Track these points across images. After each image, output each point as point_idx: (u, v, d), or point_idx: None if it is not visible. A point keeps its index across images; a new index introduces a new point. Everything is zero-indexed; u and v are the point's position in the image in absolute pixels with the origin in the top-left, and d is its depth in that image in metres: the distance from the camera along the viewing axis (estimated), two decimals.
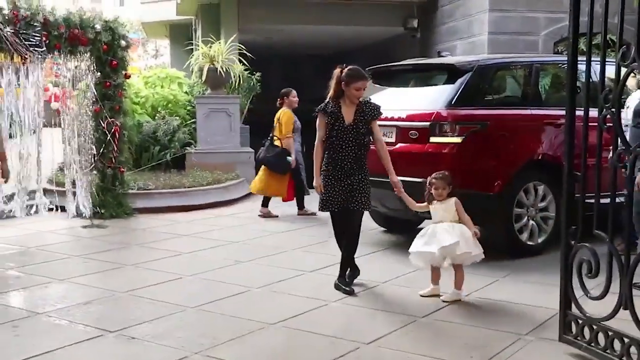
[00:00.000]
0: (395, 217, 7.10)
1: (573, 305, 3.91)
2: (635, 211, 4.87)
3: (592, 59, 3.89)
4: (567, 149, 3.95)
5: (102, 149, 8.52)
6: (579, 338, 3.85)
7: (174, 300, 4.99)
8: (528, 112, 6.59)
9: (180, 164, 11.53)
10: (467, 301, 5.01)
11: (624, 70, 3.55)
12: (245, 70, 12.49)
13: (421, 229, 5.21)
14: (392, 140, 6.56)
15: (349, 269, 5.32)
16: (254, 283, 5.46)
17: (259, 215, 8.89)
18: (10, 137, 8.07)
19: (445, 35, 13.47)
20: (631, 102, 6.00)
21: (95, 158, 8.52)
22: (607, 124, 3.68)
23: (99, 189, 8.60)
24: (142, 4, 19.56)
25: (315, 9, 14.02)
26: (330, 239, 5.88)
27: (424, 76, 7.33)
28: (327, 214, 5.43)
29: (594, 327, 3.74)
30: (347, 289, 5.16)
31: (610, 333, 3.63)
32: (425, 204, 5.16)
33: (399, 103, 6.81)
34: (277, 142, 8.82)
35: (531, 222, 6.46)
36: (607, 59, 3.72)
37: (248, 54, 12.22)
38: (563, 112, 4.01)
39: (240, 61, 12.28)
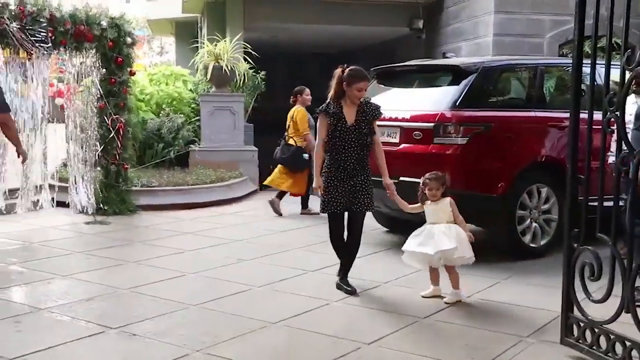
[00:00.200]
0: (397, 217, 7.10)
1: (575, 308, 3.90)
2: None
3: (597, 62, 3.89)
4: (571, 152, 3.95)
5: (106, 146, 8.54)
6: (580, 341, 3.85)
7: (176, 297, 5.00)
8: (532, 114, 6.58)
9: (184, 161, 11.54)
10: (468, 302, 5.01)
11: (628, 74, 3.55)
12: (250, 68, 12.50)
13: None
14: (396, 140, 6.57)
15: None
16: (256, 282, 5.47)
17: (301, 214, 8.95)
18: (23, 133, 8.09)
19: (451, 36, 13.46)
20: (627, 106, 5.99)
21: (99, 154, 8.53)
22: (611, 128, 3.68)
23: (103, 185, 8.62)
24: (148, 1, 19.58)
25: (320, 7, 14.02)
26: None
27: (428, 77, 7.33)
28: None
29: (596, 330, 3.74)
30: (349, 288, 5.16)
31: (612, 336, 3.63)
32: (419, 204, 5.16)
33: (403, 104, 6.81)
34: (291, 141, 8.82)
35: (534, 224, 6.46)
36: (612, 62, 3.72)
37: (253, 52, 12.23)
38: (567, 115, 4.01)
39: (245, 59, 12.28)
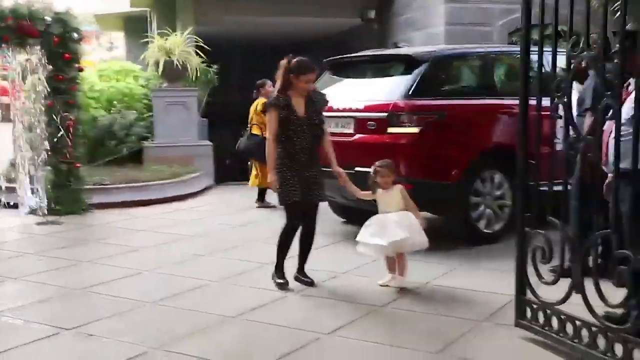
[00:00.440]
0: (353, 207, 7.13)
1: (528, 291, 3.98)
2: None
3: (544, 49, 3.96)
4: (521, 138, 4.02)
5: (55, 144, 8.35)
6: (533, 323, 3.93)
7: (131, 295, 4.94)
8: (484, 101, 6.67)
9: (137, 158, 11.36)
10: (425, 289, 5.07)
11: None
12: (203, 62, 12.36)
13: None
14: (351, 131, 6.59)
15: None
16: (213, 276, 5.44)
17: (257, 207, 8.90)
18: None
19: (403, 26, 13.54)
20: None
21: (49, 153, 8.35)
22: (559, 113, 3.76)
23: (53, 185, 8.44)
24: None
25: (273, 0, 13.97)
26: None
27: (381, 67, 7.36)
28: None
29: (548, 311, 3.83)
30: (308, 280, 5.17)
31: (563, 317, 3.72)
32: (370, 192, 5.19)
33: (356, 94, 6.83)
34: (255, 131, 8.81)
35: (488, 210, 6.55)
36: (558, 49, 3.79)
37: (205, 46, 12.10)
38: (517, 102, 4.08)
39: (197, 54, 12.14)
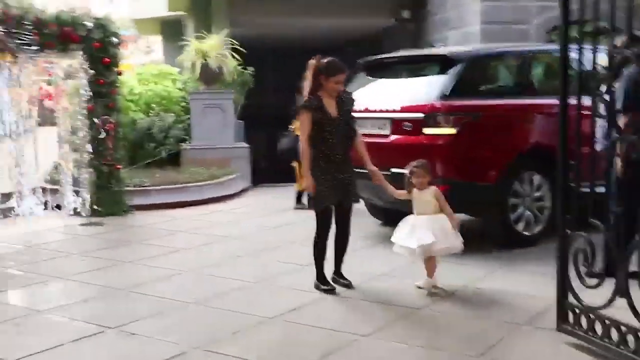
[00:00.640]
0: (391, 209, 7.12)
1: (570, 295, 3.92)
2: None
3: (584, 46, 3.90)
4: (561, 138, 3.97)
5: (97, 147, 8.51)
6: (576, 327, 3.87)
7: (172, 296, 5.01)
8: (521, 101, 6.60)
9: (175, 160, 11.51)
10: (464, 292, 5.04)
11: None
12: (239, 65, 12.46)
13: None
14: (387, 132, 6.58)
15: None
16: (252, 277, 5.48)
17: (295, 208, 8.94)
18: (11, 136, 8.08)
19: (438, 25, 13.46)
20: None
21: (91, 156, 8.51)
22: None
23: (95, 186, 8.59)
24: (133, 1, 19.46)
25: (306, 1, 14.00)
26: None
27: (417, 67, 7.32)
28: None
29: (591, 316, 3.75)
30: (346, 281, 5.18)
31: (607, 322, 3.64)
32: (406, 192, 5.17)
33: (392, 95, 6.82)
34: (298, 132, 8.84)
35: (527, 212, 6.48)
36: (598, 47, 3.72)
37: (240, 48, 12.19)
38: (556, 101, 4.03)
39: (233, 56, 12.24)
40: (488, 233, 6.65)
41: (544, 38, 11.85)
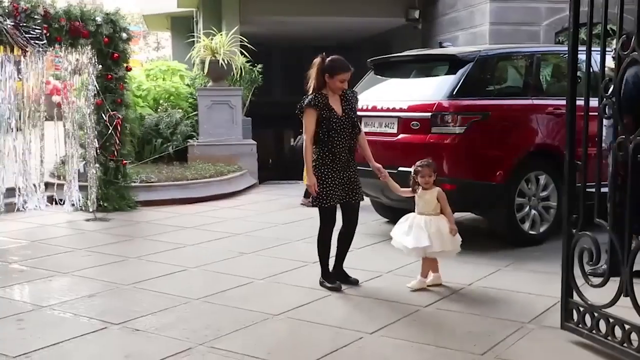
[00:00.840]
0: (397, 207, 7.12)
1: (575, 293, 3.93)
2: None
3: (593, 48, 3.90)
4: (568, 139, 3.97)
5: (104, 142, 8.54)
6: (580, 325, 3.88)
7: (177, 292, 5.02)
8: (529, 102, 6.59)
9: (182, 156, 11.54)
10: (469, 290, 5.04)
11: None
12: (247, 62, 12.48)
13: None
14: (394, 131, 6.58)
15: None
16: (258, 274, 5.49)
17: (301, 204, 8.94)
18: (20, 129, 8.11)
19: (447, 26, 13.45)
20: None
21: (98, 151, 8.54)
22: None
23: (102, 182, 8.62)
24: None
25: (317, 0, 14.01)
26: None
27: (425, 67, 7.33)
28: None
29: (595, 314, 3.76)
30: (351, 278, 5.18)
31: (611, 320, 3.65)
32: (410, 190, 5.17)
33: (400, 94, 6.82)
34: None
35: (533, 211, 6.48)
36: (607, 49, 3.72)
37: (250, 45, 12.21)
38: (564, 102, 4.02)
39: (242, 53, 12.27)
40: (494, 232, 6.65)
41: (553, 40, 11.83)
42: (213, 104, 11.62)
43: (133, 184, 9.12)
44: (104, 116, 8.49)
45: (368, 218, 7.33)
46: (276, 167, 17.77)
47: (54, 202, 8.69)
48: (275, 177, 12.76)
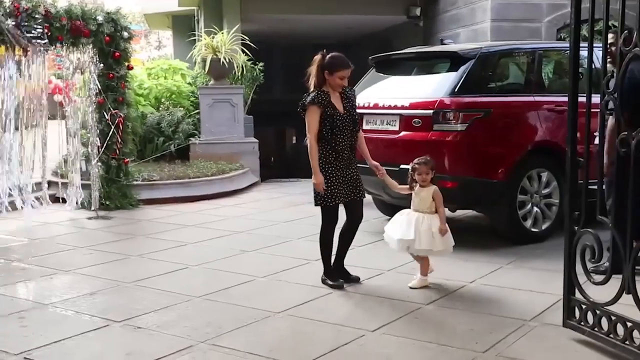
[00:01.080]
0: (399, 205, 7.11)
1: (577, 291, 3.92)
2: None
3: (594, 45, 3.89)
4: (570, 136, 3.96)
5: (106, 141, 8.54)
6: (582, 323, 3.87)
7: (179, 290, 5.02)
8: (531, 99, 6.58)
9: (184, 154, 11.55)
10: (471, 288, 5.03)
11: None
12: (249, 60, 12.48)
13: None
14: (396, 128, 6.57)
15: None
16: (259, 272, 5.49)
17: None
18: (17, 129, 8.11)
19: (448, 23, 13.43)
20: None
21: (100, 149, 8.54)
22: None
23: (104, 180, 8.62)
24: None
25: None
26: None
27: (427, 64, 7.32)
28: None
29: (598, 312, 3.76)
30: (351, 276, 5.17)
31: (613, 318, 3.65)
32: (408, 187, 5.16)
33: (402, 91, 6.82)
34: None
35: (535, 209, 6.47)
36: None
37: (251, 44, 12.21)
38: (566, 99, 4.01)
39: (243, 51, 12.26)
40: (496, 229, 6.64)
41: (554, 36, 11.80)
42: (214, 103, 11.62)
43: (135, 183, 9.13)
44: (105, 115, 8.49)
45: (370, 215, 7.29)
46: (278, 165, 17.79)
47: (57, 201, 8.68)
48: (277, 175, 12.76)
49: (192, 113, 12.37)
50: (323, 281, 5.13)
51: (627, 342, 3.54)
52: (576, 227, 3.88)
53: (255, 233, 7.20)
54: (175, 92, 12.81)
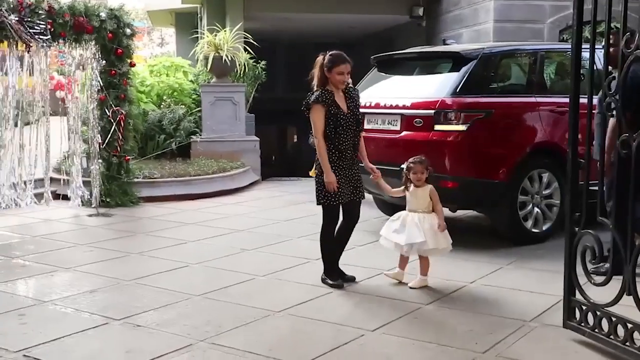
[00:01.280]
0: (399, 204, 7.11)
1: (577, 292, 3.92)
2: None
3: (596, 46, 3.88)
4: (571, 137, 3.95)
5: (107, 138, 8.54)
6: (582, 324, 3.87)
7: (179, 288, 5.02)
8: (533, 99, 6.57)
9: (185, 152, 11.54)
10: (471, 288, 5.03)
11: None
12: (251, 58, 12.48)
13: None
14: (397, 128, 6.57)
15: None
16: (259, 271, 5.49)
17: None
18: (16, 125, 8.12)
19: (451, 23, 13.43)
20: None
21: (101, 147, 8.54)
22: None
23: (105, 177, 8.62)
24: None
25: None
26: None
27: (429, 64, 7.32)
28: None
29: (598, 313, 3.76)
30: (348, 276, 5.17)
31: (613, 319, 3.65)
32: (401, 189, 5.15)
33: (404, 91, 6.81)
34: None
35: (536, 209, 6.46)
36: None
37: (254, 42, 12.20)
38: (567, 100, 4.01)
39: (245, 50, 12.25)
40: (496, 230, 6.64)
41: (557, 37, 11.80)
42: (216, 100, 11.61)
43: (136, 180, 9.12)
44: (107, 112, 8.48)
45: (370, 215, 7.32)
46: (279, 163, 17.79)
47: (57, 198, 8.68)
48: (278, 174, 12.76)
49: (193, 111, 12.36)
50: (323, 280, 5.13)
51: (627, 344, 3.54)
52: (577, 228, 3.88)
53: (256, 231, 7.19)
54: (177, 90, 12.80)
